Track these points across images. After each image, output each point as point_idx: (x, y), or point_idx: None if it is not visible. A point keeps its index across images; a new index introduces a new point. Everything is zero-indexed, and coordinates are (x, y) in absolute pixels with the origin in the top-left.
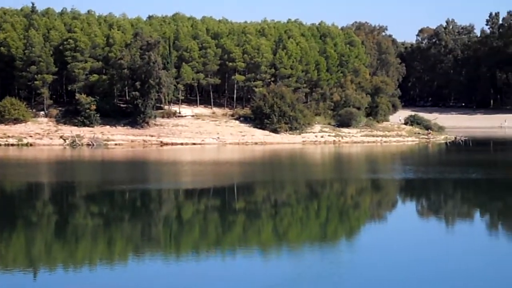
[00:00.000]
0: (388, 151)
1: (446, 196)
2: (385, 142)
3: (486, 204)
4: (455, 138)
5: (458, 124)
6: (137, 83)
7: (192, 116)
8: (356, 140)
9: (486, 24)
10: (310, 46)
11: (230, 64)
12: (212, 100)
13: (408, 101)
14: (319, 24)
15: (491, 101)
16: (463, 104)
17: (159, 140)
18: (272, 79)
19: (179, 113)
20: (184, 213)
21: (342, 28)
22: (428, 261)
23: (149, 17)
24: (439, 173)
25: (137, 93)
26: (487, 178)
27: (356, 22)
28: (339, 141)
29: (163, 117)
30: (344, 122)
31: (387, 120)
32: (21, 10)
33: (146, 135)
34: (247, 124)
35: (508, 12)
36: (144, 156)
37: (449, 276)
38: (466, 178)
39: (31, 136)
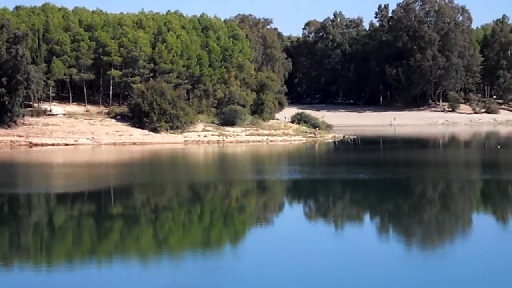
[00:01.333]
0: (275, 151)
1: (334, 198)
2: (271, 141)
3: (375, 205)
4: (344, 136)
5: (347, 122)
6: (3, 79)
7: (64, 114)
8: (241, 139)
9: (375, 17)
10: (192, 40)
11: (105, 58)
12: (85, 97)
13: (295, 98)
14: (201, 16)
15: (381, 98)
16: (352, 101)
17: (27, 140)
18: (151, 74)
19: (50, 111)
20: (56, 220)
21: (225, 21)
22: (314, 266)
23: (16, 8)
24: (326, 174)
25: (3, 89)
26: (375, 178)
27: (239, 14)
28: (223, 140)
29: (32, 115)
30: (228, 120)
31: (273, 118)
32: None
33: (14, 135)
34: (125, 123)
35: (398, 5)
36: (11, 158)
37: (335, 282)
38: (353, 179)
39: None
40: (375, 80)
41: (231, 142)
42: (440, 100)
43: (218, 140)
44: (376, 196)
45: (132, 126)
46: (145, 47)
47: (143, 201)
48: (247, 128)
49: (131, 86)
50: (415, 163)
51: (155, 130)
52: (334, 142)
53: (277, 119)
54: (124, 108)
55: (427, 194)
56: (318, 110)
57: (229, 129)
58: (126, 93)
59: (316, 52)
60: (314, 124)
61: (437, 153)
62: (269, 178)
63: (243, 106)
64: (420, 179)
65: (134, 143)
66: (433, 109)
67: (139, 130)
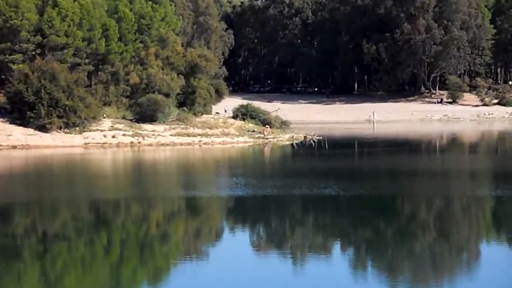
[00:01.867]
0: (210, 157)
1: (291, 221)
2: (206, 144)
3: (348, 231)
4: (305, 137)
5: (309, 118)
6: None
7: None
8: (164, 141)
9: None
10: (94, 3)
11: None
12: None
13: (238, 85)
14: None
15: (355, 85)
16: (316, 89)
17: None
18: (38, 51)
19: None
20: None
21: None
22: None
23: None
24: (280, 188)
25: None
26: (347, 195)
27: None
28: (139, 143)
29: None
30: (146, 115)
31: (209, 113)
32: None
33: None
34: (1, 119)
35: None
36: None
37: None
38: (318, 195)
39: None
40: (348, 60)
41: (150, 145)
42: (437, 88)
43: (132, 142)
44: (349, 218)
45: (11, 123)
46: (29, 13)
47: (26, 227)
48: (173, 126)
49: (10, 67)
50: (402, 173)
51: (43, 128)
52: (292, 144)
53: (216, 113)
54: (0, 98)
55: (419, 217)
56: (270, 101)
57: (148, 127)
58: (3, 77)
59: (266, 22)
60: (265, 121)
61: (432, 160)
62: (202, 195)
63: (167, 95)
64: (408, 196)
65: (14, 147)
66: (426, 99)
67: (21, 128)
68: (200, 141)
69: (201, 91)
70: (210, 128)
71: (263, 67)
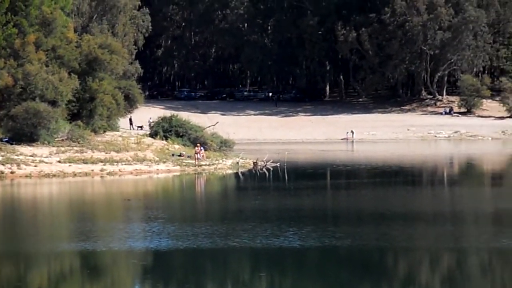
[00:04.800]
0: (117, 194)
1: (235, 286)
2: (110, 174)
3: None
4: (256, 164)
5: (262, 135)
6: None
7: None
8: (50, 170)
9: None
10: None
11: None
12: None
13: (158, 89)
14: None
15: (327, 88)
16: (271, 94)
17: None
18: None
19: None
20: None
21: None
22: None
23: None
24: (219, 237)
25: None
26: (314, 246)
27: None
28: (13, 173)
29: None
30: (22, 132)
31: (115, 129)
32: None
33: None
34: None
35: None
36: None
37: None
38: (271, 246)
39: None
40: (316, 52)
41: (28, 176)
42: (444, 92)
43: (1, 172)
44: (313, 283)
45: None
46: None
47: None
48: (62, 148)
49: None
50: (394, 217)
51: None
52: (237, 174)
53: (123, 129)
54: None
55: (419, 279)
56: (204, 112)
57: (25, 150)
58: None
59: None
60: (197, 140)
61: (438, 197)
62: (104, 249)
63: (53, 103)
64: (403, 250)
65: None
66: (429, 109)
67: None
68: (102, 170)
69: (104, 98)
70: (117, 152)
71: (194, 62)
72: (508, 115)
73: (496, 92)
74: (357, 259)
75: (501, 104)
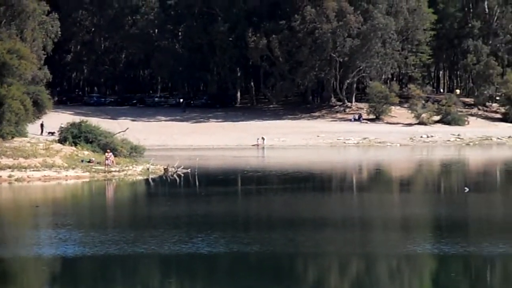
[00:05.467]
0: (25, 200)
1: None
2: (18, 180)
3: None
4: (166, 170)
5: (173, 141)
6: None
7: None
8: None
9: None
10: None
11: None
12: None
13: (67, 94)
14: None
15: (238, 94)
16: (182, 99)
17: None
18: None
19: None
20: None
21: None
22: None
23: None
24: (122, 244)
25: None
26: (218, 253)
27: None
28: None
29: None
30: None
31: (24, 134)
32: None
33: None
34: None
35: None
36: None
37: None
38: (176, 253)
39: None
40: (227, 59)
41: None
42: (353, 99)
43: None
44: (228, 286)
45: None
46: None
47: None
48: None
49: None
50: (303, 222)
51: None
52: (148, 180)
53: (33, 135)
54: None
55: (328, 284)
56: (114, 118)
57: None
58: None
59: (108, 1)
60: (107, 146)
61: (347, 203)
62: (10, 256)
63: None
64: (313, 255)
65: None
66: (339, 116)
67: None
68: (10, 176)
69: (12, 103)
70: (26, 158)
71: (104, 68)
72: (416, 122)
73: (404, 99)
74: (267, 264)
75: (409, 111)
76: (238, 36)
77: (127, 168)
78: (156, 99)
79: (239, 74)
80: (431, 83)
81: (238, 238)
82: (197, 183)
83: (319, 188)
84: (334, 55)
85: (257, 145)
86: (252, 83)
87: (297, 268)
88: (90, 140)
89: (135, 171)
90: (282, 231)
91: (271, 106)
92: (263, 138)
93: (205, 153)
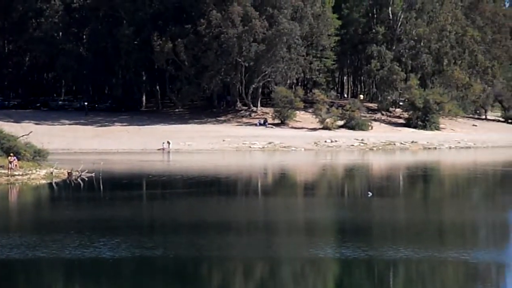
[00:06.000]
0: None
1: None
2: None
3: None
4: (70, 174)
5: (77, 145)
6: None
7: None
8: None
9: None
10: None
11: None
12: None
13: None
14: None
15: (144, 98)
16: (86, 103)
17: None
18: None
19: None
20: None
21: None
22: None
23: None
24: (22, 248)
25: None
26: (120, 257)
27: None
28: None
29: None
30: None
31: None
32: None
33: None
34: None
35: None
36: None
37: None
38: (76, 258)
39: None
40: (132, 63)
41: None
42: (258, 104)
43: None
44: None
45: None
46: None
47: None
48: None
49: None
50: (209, 226)
51: None
52: (51, 184)
53: None
54: None
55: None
56: (18, 121)
57: None
58: None
59: (12, 4)
60: (10, 150)
61: (252, 206)
62: None
63: None
64: (218, 259)
65: None
66: (244, 120)
67: None
68: None
69: None
70: None
71: (8, 71)
72: (321, 127)
73: (309, 104)
74: (170, 269)
75: (314, 116)
76: (143, 40)
77: (30, 172)
78: (60, 102)
79: (144, 78)
80: (335, 88)
81: (142, 243)
82: (101, 187)
83: (224, 192)
84: (240, 60)
85: (163, 149)
86: (157, 87)
87: (201, 272)
88: None
89: (39, 175)
90: (186, 235)
91: (177, 110)
92: (168, 142)
93: (110, 157)
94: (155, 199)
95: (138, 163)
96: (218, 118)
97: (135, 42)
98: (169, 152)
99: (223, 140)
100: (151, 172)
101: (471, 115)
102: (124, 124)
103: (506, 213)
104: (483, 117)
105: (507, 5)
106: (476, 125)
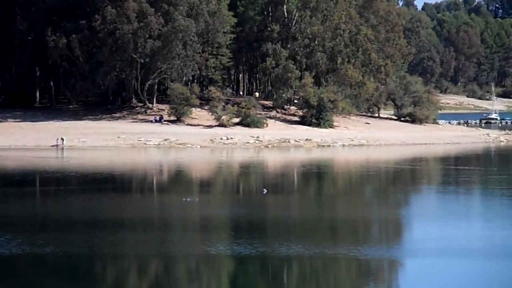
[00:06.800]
0: None
1: None
2: None
3: None
4: None
5: None
6: None
7: None
8: None
9: None
10: None
11: None
12: None
13: None
14: None
15: (37, 94)
16: None
17: None
18: None
19: None
20: None
21: None
22: None
23: None
24: None
25: None
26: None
27: None
28: None
29: None
30: None
31: None
32: None
33: None
34: None
35: None
36: None
37: None
38: None
39: None
40: (26, 58)
41: None
42: (154, 101)
43: None
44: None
45: None
46: None
47: None
48: None
49: None
50: (103, 223)
51: None
52: None
53: None
54: None
55: (128, 287)
56: None
57: None
58: None
59: None
60: None
61: (146, 204)
62: None
63: None
64: (111, 256)
65: None
66: (140, 117)
67: None
68: None
69: None
70: None
71: None
72: (217, 124)
73: (205, 101)
74: (62, 266)
75: (210, 113)
76: (37, 35)
77: None
78: None
79: (38, 74)
80: (231, 85)
81: (33, 240)
82: None
83: (118, 189)
84: (135, 56)
85: (57, 145)
86: (51, 83)
87: (93, 269)
88: None
89: None
90: (79, 232)
91: (71, 106)
92: (62, 139)
93: (3, 154)
94: (48, 196)
95: (31, 159)
96: (113, 115)
97: (29, 38)
98: (63, 148)
99: (118, 137)
100: (44, 169)
101: (364, 113)
102: (18, 120)
103: (398, 210)
104: (376, 115)
105: (401, 3)
106: (369, 123)
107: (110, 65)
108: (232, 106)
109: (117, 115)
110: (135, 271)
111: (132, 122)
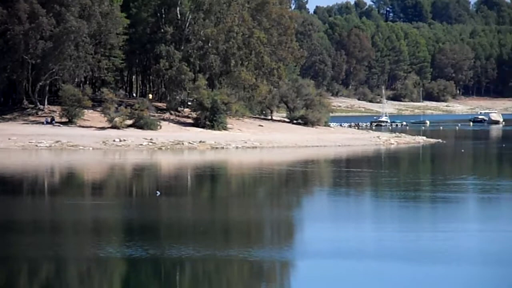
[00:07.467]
0: None
1: None
2: None
3: None
4: None
5: None
6: None
7: None
8: None
9: None
10: None
11: None
12: None
13: None
14: None
15: None
16: None
17: None
18: None
19: None
20: None
21: None
22: None
23: None
24: None
25: None
26: None
27: None
28: None
29: None
30: None
31: None
32: None
33: None
34: None
35: None
36: None
37: None
38: None
39: None
40: None
41: None
42: (45, 102)
43: None
44: None
45: None
46: None
47: None
48: None
49: None
50: None
51: None
52: None
53: None
54: None
55: None
56: None
57: None
58: None
59: None
60: None
61: (37, 206)
62: None
63: None
64: None
65: None
66: (31, 118)
67: None
68: None
69: None
70: None
71: None
72: (109, 126)
73: (97, 103)
74: None
75: (102, 115)
76: None
77: None
78: None
79: None
80: (124, 87)
81: None
82: None
83: (8, 192)
84: (26, 57)
85: None
86: None
87: None
88: None
89: None
90: None
91: None
92: None
93: None
94: None
95: None
96: (4, 116)
97: None
98: None
99: (9, 139)
100: None
101: (257, 116)
102: None
103: (290, 211)
104: (269, 117)
105: (293, 7)
106: (262, 126)
107: (1, 66)
108: (125, 108)
109: (8, 116)
110: (25, 274)
111: (23, 123)
